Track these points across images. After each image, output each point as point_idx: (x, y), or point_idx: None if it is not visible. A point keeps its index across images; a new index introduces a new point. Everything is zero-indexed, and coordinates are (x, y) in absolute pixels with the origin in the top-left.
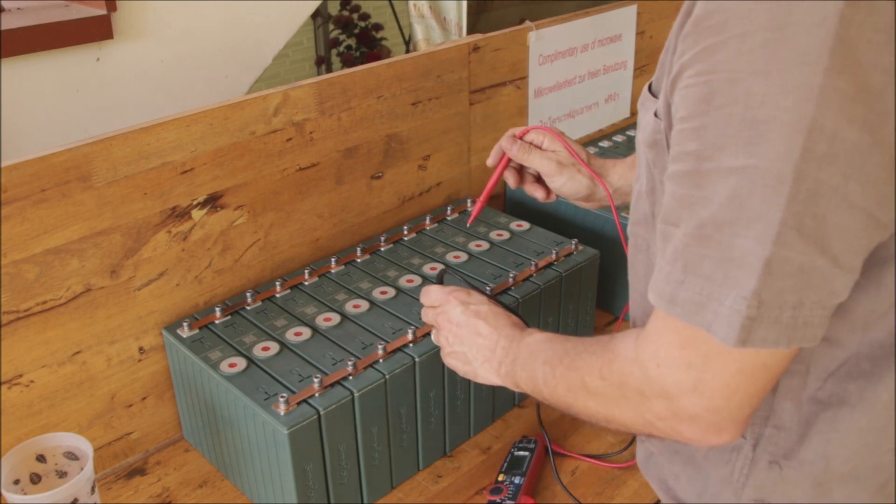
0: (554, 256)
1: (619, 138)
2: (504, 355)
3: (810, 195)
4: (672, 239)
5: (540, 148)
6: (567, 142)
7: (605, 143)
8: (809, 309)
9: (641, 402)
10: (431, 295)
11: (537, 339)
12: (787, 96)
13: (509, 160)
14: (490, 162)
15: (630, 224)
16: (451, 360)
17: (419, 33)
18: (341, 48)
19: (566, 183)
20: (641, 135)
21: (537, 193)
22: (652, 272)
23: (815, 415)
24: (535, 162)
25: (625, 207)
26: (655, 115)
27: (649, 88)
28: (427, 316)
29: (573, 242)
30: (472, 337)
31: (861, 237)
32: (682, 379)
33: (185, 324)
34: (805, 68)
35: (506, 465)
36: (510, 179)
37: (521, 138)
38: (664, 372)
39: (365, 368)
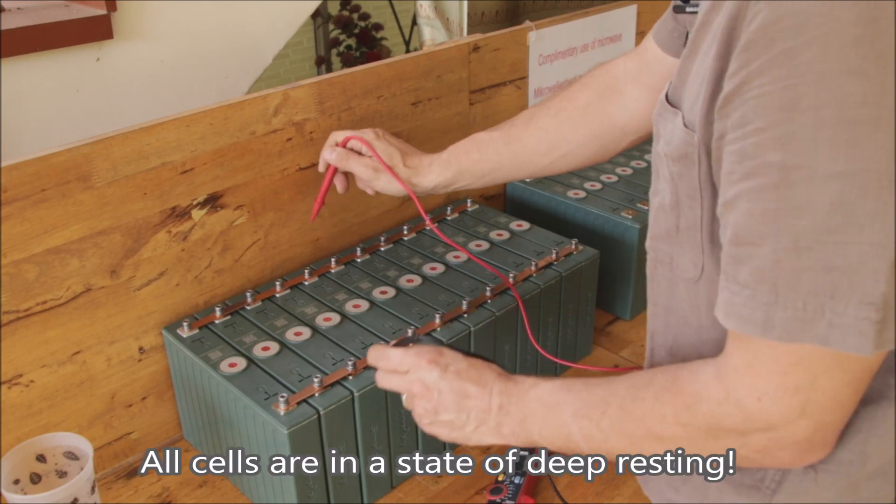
0: (554, 256)
1: None
2: (504, 415)
3: None
4: (751, 259)
5: (360, 154)
6: (378, 151)
7: None
8: None
9: (736, 439)
10: (393, 359)
11: (548, 390)
12: (890, 94)
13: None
14: (320, 168)
15: (650, 239)
16: (435, 430)
17: (426, 34)
18: (341, 48)
19: (386, 186)
20: (665, 147)
21: (367, 190)
22: (675, 286)
23: (853, 413)
24: (353, 167)
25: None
26: (685, 125)
27: (666, 98)
28: (389, 381)
29: (573, 242)
30: (461, 401)
31: None
32: (789, 405)
33: (185, 324)
34: None
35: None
36: (338, 185)
37: (344, 145)
38: (767, 405)
39: (365, 368)
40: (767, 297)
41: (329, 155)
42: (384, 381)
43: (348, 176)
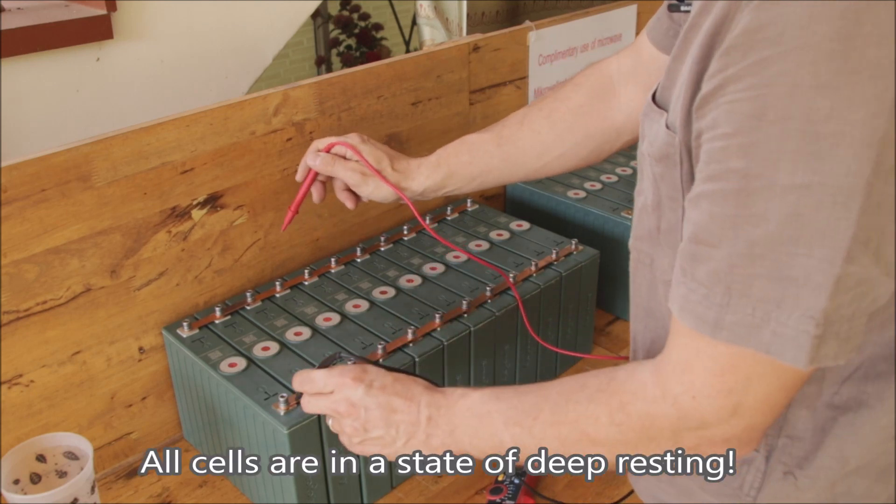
0: (554, 256)
1: None
2: (433, 427)
3: (876, 208)
4: (708, 260)
5: (345, 158)
6: (364, 154)
7: None
8: (858, 319)
9: (670, 438)
10: (317, 381)
11: (478, 400)
12: (857, 110)
13: (317, 174)
14: (298, 177)
15: (633, 239)
16: (366, 448)
17: (426, 34)
18: (341, 48)
19: (373, 191)
20: (648, 147)
21: (348, 202)
22: (654, 288)
23: (832, 420)
24: (339, 173)
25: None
26: (667, 126)
27: (653, 99)
28: (315, 405)
29: (573, 242)
30: (389, 416)
31: None
32: (722, 406)
33: (185, 324)
34: (877, 82)
35: None
36: (314, 193)
37: (327, 151)
38: (702, 403)
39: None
40: (721, 298)
41: (313, 161)
42: (310, 405)
43: (326, 185)
